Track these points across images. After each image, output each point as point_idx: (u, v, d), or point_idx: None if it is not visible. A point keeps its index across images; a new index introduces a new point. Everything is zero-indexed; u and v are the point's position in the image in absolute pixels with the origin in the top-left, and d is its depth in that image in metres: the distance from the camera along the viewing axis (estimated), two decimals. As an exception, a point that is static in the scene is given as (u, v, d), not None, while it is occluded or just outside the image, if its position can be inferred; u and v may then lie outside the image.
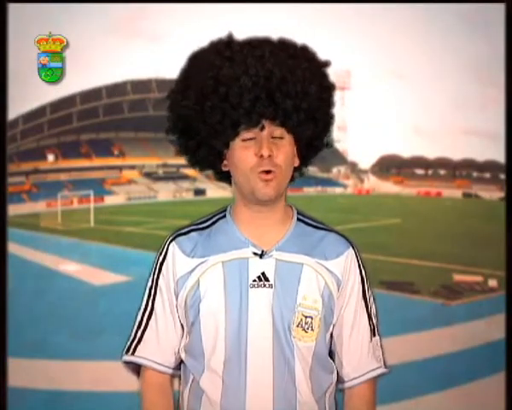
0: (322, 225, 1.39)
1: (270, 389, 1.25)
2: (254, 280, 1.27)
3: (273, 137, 1.25)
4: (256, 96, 1.22)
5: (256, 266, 1.28)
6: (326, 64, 1.32)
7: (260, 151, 1.23)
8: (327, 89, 1.31)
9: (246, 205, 1.32)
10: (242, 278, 1.27)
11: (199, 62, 1.27)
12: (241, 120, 1.23)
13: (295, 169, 1.36)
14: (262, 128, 1.24)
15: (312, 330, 1.28)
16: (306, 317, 1.27)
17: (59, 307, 8.38)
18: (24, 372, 5.25)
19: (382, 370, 1.38)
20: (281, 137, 1.26)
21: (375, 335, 1.39)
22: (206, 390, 1.28)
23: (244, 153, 1.25)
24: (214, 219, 1.38)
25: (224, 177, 1.37)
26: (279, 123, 1.25)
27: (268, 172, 1.23)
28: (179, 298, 1.31)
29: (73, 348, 6.25)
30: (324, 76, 1.31)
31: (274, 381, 1.25)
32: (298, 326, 1.27)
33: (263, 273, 1.27)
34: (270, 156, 1.23)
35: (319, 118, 1.30)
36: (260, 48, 1.24)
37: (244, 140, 1.25)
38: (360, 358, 1.37)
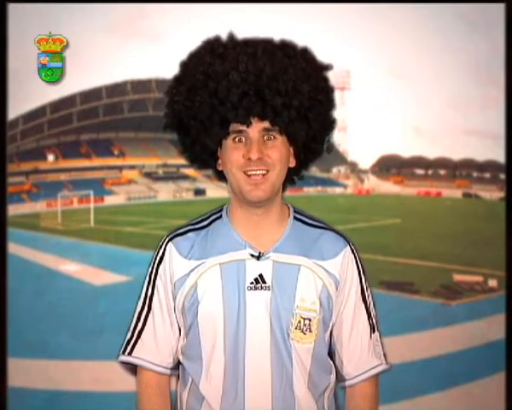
0: (319, 224, 1.38)
1: (268, 391, 1.25)
2: (252, 282, 1.26)
3: (265, 140, 1.24)
4: (244, 91, 1.20)
5: (253, 268, 1.27)
6: (326, 67, 1.30)
7: (249, 154, 1.22)
8: (323, 90, 1.28)
9: (241, 206, 1.31)
10: (240, 281, 1.26)
11: (193, 59, 1.27)
12: (229, 115, 1.21)
13: (295, 172, 1.36)
14: (249, 125, 1.22)
15: (311, 331, 1.28)
16: (305, 319, 1.27)
17: (59, 307, 8.38)
18: (24, 372, 5.25)
19: (383, 367, 1.38)
20: (274, 138, 1.24)
21: (374, 331, 1.38)
22: (205, 395, 1.27)
23: (234, 153, 1.24)
24: (211, 220, 1.36)
25: (224, 176, 1.35)
26: (269, 121, 1.23)
27: (258, 174, 1.22)
28: (177, 300, 1.30)
29: (73, 348, 6.25)
30: (322, 78, 1.29)
31: (272, 383, 1.25)
32: (296, 328, 1.26)
33: (260, 275, 1.27)
34: (260, 159, 1.22)
35: (312, 118, 1.27)
36: (254, 46, 1.23)
37: (235, 141, 1.24)
38: (360, 356, 1.36)
